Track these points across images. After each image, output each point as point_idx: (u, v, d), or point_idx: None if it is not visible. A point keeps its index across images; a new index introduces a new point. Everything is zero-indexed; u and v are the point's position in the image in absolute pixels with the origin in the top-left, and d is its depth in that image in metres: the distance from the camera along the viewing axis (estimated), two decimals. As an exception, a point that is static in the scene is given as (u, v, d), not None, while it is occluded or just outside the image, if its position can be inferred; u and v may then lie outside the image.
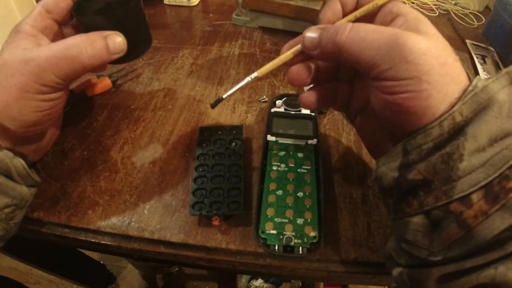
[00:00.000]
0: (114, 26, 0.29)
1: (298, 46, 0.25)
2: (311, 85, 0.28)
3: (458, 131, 0.19)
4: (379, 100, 0.22)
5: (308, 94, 0.27)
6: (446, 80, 0.19)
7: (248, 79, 0.27)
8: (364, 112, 0.28)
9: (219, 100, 0.28)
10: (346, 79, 0.28)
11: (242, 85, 0.27)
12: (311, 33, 0.24)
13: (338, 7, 0.25)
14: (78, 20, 0.30)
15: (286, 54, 0.26)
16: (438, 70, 0.19)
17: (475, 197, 0.18)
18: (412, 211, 0.20)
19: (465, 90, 0.19)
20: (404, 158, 0.21)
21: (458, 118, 0.19)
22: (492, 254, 0.17)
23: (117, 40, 0.28)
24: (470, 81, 0.20)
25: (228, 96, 0.28)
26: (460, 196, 0.18)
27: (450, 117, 0.19)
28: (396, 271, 0.22)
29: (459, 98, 0.19)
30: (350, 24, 0.22)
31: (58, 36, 0.30)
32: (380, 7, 0.24)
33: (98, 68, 0.31)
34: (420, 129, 0.20)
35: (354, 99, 0.28)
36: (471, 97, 0.19)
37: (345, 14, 0.25)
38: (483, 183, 0.17)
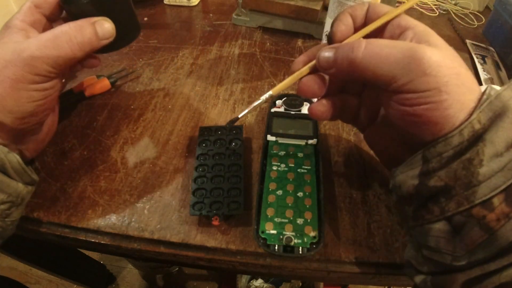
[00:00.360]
0: (101, 13, 0.29)
1: (312, 63, 0.25)
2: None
3: (477, 138, 0.19)
4: (398, 112, 0.22)
5: (318, 104, 0.27)
6: (462, 90, 0.20)
7: (263, 98, 0.27)
8: (374, 124, 0.28)
9: (235, 119, 0.29)
10: (354, 92, 0.28)
11: (258, 104, 0.27)
12: (325, 53, 0.24)
13: (349, 21, 0.25)
14: (65, 9, 0.30)
15: (301, 71, 0.26)
16: (455, 80, 0.20)
17: (496, 201, 0.18)
18: (433, 218, 0.21)
19: (480, 99, 0.20)
20: (424, 166, 0.21)
21: (477, 126, 0.19)
22: None
23: (105, 26, 0.29)
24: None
25: (243, 115, 0.28)
26: (482, 200, 0.18)
27: (469, 125, 0.19)
28: (418, 278, 0.22)
29: (476, 107, 0.20)
30: (364, 41, 0.22)
31: (47, 30, 0.30)
32: (389, 21, 0.24)
33: (91, 57, 0.30)
34: (440, 137, 0.20)
35: (363, 112, 0.28)
36: (487, 105, 0.19)
37: (355, 28, 0.26)
38: (503, 187, 0.18)
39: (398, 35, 0.24)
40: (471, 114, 0.19)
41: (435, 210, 0.20)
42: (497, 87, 0.20)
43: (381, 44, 0.21)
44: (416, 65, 0.20)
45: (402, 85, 0.20)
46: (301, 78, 0.26)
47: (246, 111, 0.28)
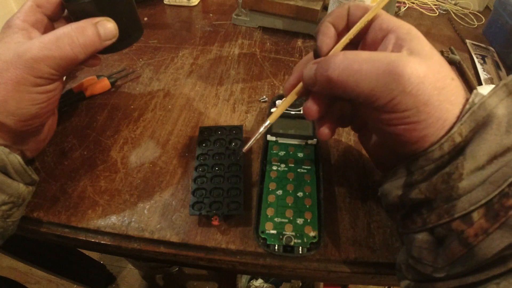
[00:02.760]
0: (104, 13, 0.29)
1: (300, 85, 0.25)
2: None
3: (459, 151, 0.19)
4: (378, 130, 0.22)
5: (311, 104, 0.26)
6: (445, 106, 0.19)
7: (262, 128, 0.27)
8: (366, 128, 0.28)
9: (241, 153, 0.29)
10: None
11: (260, 134, 0.27)
12: (308, 70, 0.23)
13: (332, 31, 0.25)
14: (68, 8, 0.30)
15: (291, 96, 0.26)
16: (437, 96, 0.19)
17: (476, 215, 0.18)
18: (417, 228, 0.21)
19: (462, 110, 0.19)
20: (407, 178, 0.21)
21: (458, 139, 0.19)
22: (494, 270, 0.17)
23: (107, 26, 0.28)
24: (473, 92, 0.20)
25: (248, 147, 0.28)
26: (461, 214, 0.18)
27: (449, 139, 0.19)
28: (404, 283, 0.23)
29: (457, 120, 0.19)
30: (341, 56, 0.21)
31: (48, 30, 0.30)
32: (370, 23, 0.24)
33: (91, 56, 0.30)
34: (422, 152, 0.20)
35: (355, 116, 0.28)
36: (468, 116, 0.19)
37: (339, 34, 0.25)
38: (483, 201, 0.17)
39: (381, 39, 0.23)
40: (453, 127, 0.19)
41: (418, 221, 0.20)
42: (484, 92, 0.19)
43: (360, 60, 0.20)
44: (396, 83, 0.19)
45: (383, 105, 0.20)
46: (303, 104, 0.25)
47: (250, 143, 0.28)
